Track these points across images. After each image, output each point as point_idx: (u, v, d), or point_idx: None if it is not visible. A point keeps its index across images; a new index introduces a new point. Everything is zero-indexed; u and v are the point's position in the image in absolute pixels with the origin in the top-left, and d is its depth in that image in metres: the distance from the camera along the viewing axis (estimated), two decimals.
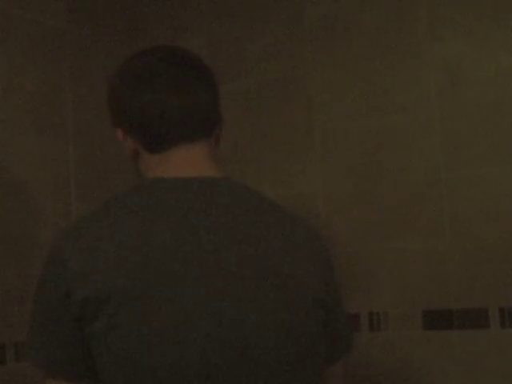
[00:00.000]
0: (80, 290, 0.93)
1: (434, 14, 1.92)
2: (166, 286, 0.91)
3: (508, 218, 1.81)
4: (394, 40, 1.97)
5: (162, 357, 0.90)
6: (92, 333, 0.93)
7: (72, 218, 1.91)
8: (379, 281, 1.94)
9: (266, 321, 0.93)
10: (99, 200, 2.02)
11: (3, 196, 1.71)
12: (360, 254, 1.96)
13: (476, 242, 1.84)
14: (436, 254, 1.88)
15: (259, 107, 2.14)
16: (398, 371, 1.90)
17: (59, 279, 0.95)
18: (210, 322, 0.92)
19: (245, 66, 2.16)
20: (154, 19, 2.29)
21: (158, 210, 0.96)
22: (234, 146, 2.16)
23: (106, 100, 2.10)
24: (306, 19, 2.09)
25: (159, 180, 1.00)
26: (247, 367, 0.92)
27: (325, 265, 1.04)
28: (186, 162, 1.04)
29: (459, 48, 1.89)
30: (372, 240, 1.95)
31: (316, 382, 1.00)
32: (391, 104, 1.96)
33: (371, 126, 1.98)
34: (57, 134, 1.90)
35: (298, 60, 2.09)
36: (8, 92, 1.76)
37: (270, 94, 2.12)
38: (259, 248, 0.96)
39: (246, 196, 1.01)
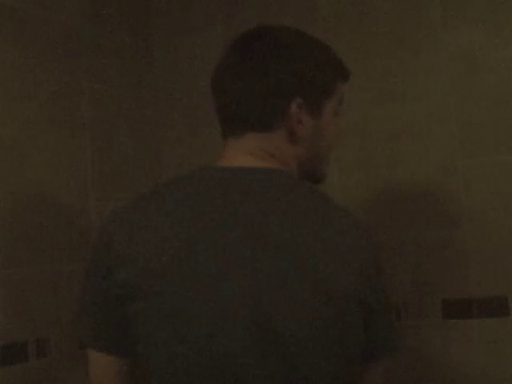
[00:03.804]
0: (121, 270, 0.96)
1: (449, 3, 1.91)
2: (204, 271, 0.93)
3: None
4: (408, 29, 1.96)
5: (196, 338, 0.92)
6: (132, 313, 0.96)
7: (89, 214, 1.92)
8: (398, 270, 1.93)
9: (296, 311, 0.93)
10: (117, 196, 2.03)
11: (20, 193, 1.72)
12: (378, 244, 1.96)
13: (494, 229, 1.83)
14: (454, 242, 1.87)
15: None
16: (418, 360, 1.90)
17: (103, 259, 0.99)
18: (242, 306, 0.92)
19: None
20: (168, 14, 2.29)
21: (199, 197, 0.98)
22: None
23: None
24: (319, 8, 2.08)
25: (205, 169, 1.02)
26: (275, 352, 0.93)
27: (367, 263, 0.98)
28: (233, 152, 1.05)
29: (474, 36, 1.88)
30: (390, 229, 1.95)
31: (345, 377, 0.98)
32: (406, 93, 1.95)
33: (387, 115, 1.97)
34: (74, 131, 1.91)
35: None
36: (25, 89, 1.76)
37: None
38: (292, 241, 0.94)
39: (287, 187, 0.99)
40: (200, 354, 0.92)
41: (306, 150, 1.06)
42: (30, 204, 1.74)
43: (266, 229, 0.95)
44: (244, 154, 1.04)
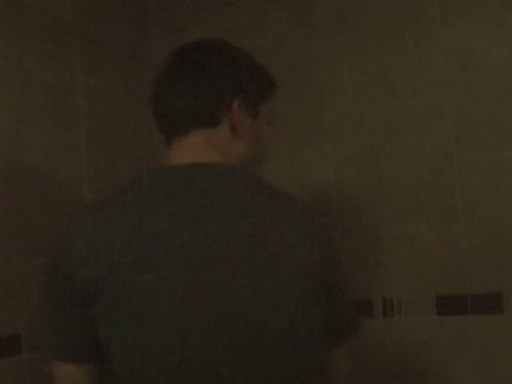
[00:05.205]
0: (86, 271, 0.96)
1: (447, 0, 1.92)
2: (164, 270, 0.94)
3: None
4: (405, 25, 1.96)
5: (159, 339, 0.93)
6: (95, 315, 0.96)
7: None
8: (392, 267, 1.94)
9: (256, 300, 0.95)
10: (111, 189, 2.01)
11: (15, 185, 1.70)
12: (373, 240, 1.96)
13: (489, 226, 1.84)
14: (449, 239, 1.88)
15: None
16: (412, 357, 1.90)
17: (65, 264, 0.98)
18: (204, 301, 0.94)
19: (256, 54, 2.14)
20: (165, 10, 2.27)
21: (156, 195, 1.00)
22: None
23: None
24: (316, 6, 2.07)
25: (157, 168, 1.05)
26: (242, 347, 0.95)
27: (324, 245, 1.04)
28: (182, 150, 1.09)
29: (470, 33, 1.89)
30: (385, 226, 1.95)
31: (313, 361, 1.01)
32: (403, 90, 1.96)
33: (383, 112, 1.97)
34: (69, 124, 1.88)
35: (310, 47, 2.08)
36: (20, 82, 1.74)
37: (282, 82, 2.11)
38: (249, 228, 0.98)
39: (239, 179, 1.04)
40: (173, 351, 0.92)
41: (247, 150, 1.14)
42: (24, 197, 1.71)
43: (229, 222, 0.98)
44: (192, 149, 1.08)
